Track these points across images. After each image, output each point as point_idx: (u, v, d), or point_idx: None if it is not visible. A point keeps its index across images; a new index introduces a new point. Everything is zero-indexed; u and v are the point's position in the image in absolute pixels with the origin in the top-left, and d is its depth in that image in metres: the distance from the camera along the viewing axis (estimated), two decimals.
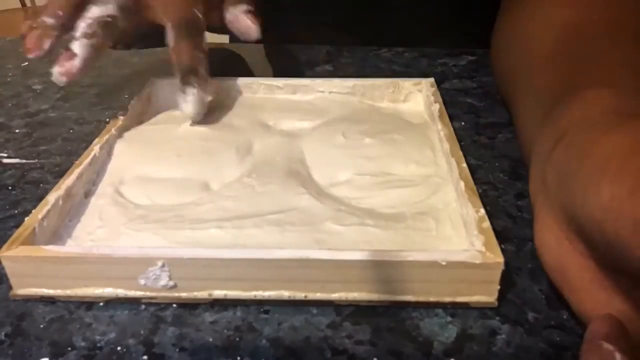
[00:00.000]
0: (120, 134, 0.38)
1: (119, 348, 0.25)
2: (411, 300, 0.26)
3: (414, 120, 0.41)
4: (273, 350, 0.25)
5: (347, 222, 0.30)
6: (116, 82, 0.51)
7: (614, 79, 0.29)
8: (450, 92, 0.48)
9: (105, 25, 0.36)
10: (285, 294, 0.27)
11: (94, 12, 0.36)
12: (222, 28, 0.43)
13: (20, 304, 0.27)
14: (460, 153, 0.34)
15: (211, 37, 0.60)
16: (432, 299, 0.26)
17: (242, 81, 0.45)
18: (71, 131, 0.42)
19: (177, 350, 0.25)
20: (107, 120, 0.41)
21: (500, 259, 0.26)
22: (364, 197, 0.33)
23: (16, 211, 0.33)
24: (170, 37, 0.39)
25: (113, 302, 0.27)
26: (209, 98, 0.39)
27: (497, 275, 0.26)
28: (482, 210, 0.29)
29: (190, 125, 0.39)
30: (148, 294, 0.27)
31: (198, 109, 0.38)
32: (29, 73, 0.52)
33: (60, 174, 0.33)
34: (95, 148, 0.35)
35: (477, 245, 0.27)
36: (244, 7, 0.42)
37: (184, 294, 0.27)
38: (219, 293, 0.27)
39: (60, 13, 0.36)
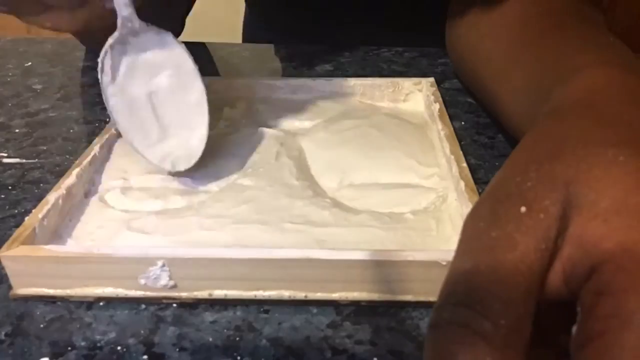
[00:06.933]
0: (120, 133, 0.38)
1: (119, 348, 0.25)
2: (411, 300, 0.26)
3: (414, 120, 0.41)
4: (273, 350, 0.25)
5: (347, 222, 0.30)
6: None
7: (606, 58, 0.27)
8: (450, 92, 0.48)
9: None
10: (285, 293, 0.27)
11: None
12: None
13: (20, 303, 0.27)
14: (460, 153, 0.34)
15: (213, 37, 0.60)
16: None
17: (242, 81, 0.45)
18: (71, 131, 0.42)
19: (177, 350, 0.25)
20: (107, 120, 0.41)
21: None
22: (364, 197, 0.33)
23: (16, 211, 0.33)
24: None
25: (113, 302, 0.27)
26: None
27: None
28: None
29: None
30: (148, 293, 0.27)
31: None
32: (29, 73, 0.52)
33: (60, 173, 0.33)
34: (95, 148, 0.35)
35: None
36: None
37: (184, 294, 0.27)
38: (219, 293, 0.27)
39: None
